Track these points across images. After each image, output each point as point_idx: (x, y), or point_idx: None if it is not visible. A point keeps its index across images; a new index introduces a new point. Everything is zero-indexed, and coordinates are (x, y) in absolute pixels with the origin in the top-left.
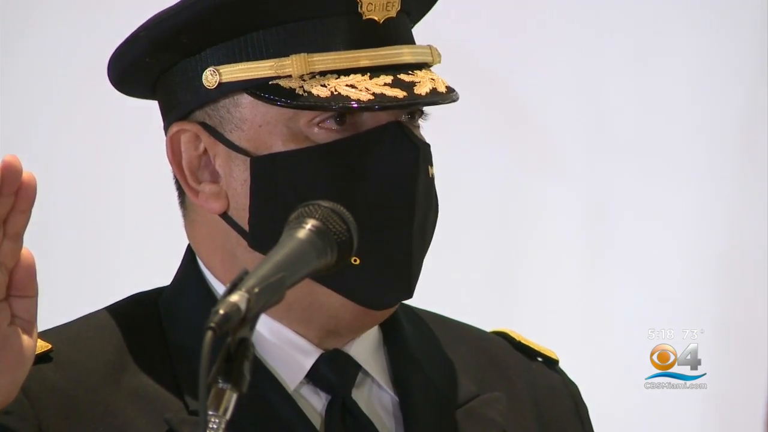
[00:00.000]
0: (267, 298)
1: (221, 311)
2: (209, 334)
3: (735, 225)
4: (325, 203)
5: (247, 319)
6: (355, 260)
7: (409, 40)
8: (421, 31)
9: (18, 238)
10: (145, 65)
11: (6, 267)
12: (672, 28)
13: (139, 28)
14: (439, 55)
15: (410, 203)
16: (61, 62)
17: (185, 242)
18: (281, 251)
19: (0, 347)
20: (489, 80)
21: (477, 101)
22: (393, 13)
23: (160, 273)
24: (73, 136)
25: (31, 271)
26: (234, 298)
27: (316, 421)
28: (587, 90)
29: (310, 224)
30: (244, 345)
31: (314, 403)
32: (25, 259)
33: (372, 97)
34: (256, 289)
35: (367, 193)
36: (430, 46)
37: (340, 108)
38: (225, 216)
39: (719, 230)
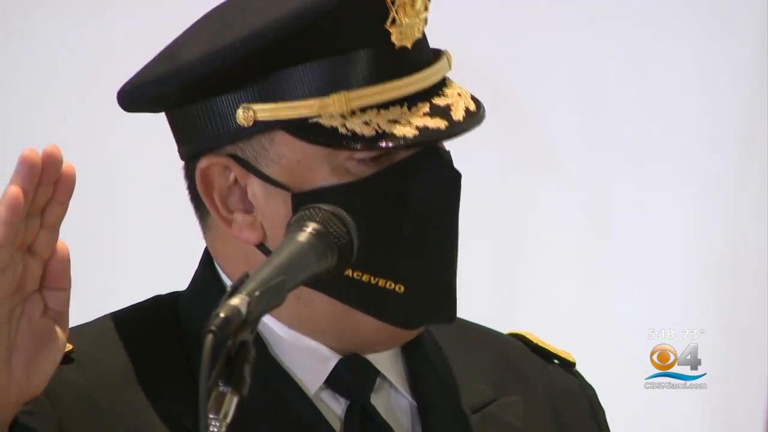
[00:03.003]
0: (267, 302)
1: (222, 314)
2: (209, 337)
3: (735, 225)
4: (325, 206)
5: (247, 322)
6: (399, 288)
7: (431, 55)
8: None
9: (54, 230)
10: (169, 101)
11: (41, 257)
12: (672, 30)
13: (167, 68)
14: (451, 58)
15: (452, 229)
16: (61, 62)
17: (187, 243)
18: (281, 254)
19: (33, 338)
20: (490, 83)
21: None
22: (419, 35)
23: (164, 274)
24: (73, 137)
25: (65, 264)
26: (234, 301)
27: (336, 426)
28: (588, 92)
29: (310, 227)
30: (245, 348)
31: (334, 407)
32: (60, 251)
33: (416, 132)
34: (257, 293)
35: (410, 222)
36: (444, 53)
37: (391, 148)
38: (261, 247)
39: (719, 230)
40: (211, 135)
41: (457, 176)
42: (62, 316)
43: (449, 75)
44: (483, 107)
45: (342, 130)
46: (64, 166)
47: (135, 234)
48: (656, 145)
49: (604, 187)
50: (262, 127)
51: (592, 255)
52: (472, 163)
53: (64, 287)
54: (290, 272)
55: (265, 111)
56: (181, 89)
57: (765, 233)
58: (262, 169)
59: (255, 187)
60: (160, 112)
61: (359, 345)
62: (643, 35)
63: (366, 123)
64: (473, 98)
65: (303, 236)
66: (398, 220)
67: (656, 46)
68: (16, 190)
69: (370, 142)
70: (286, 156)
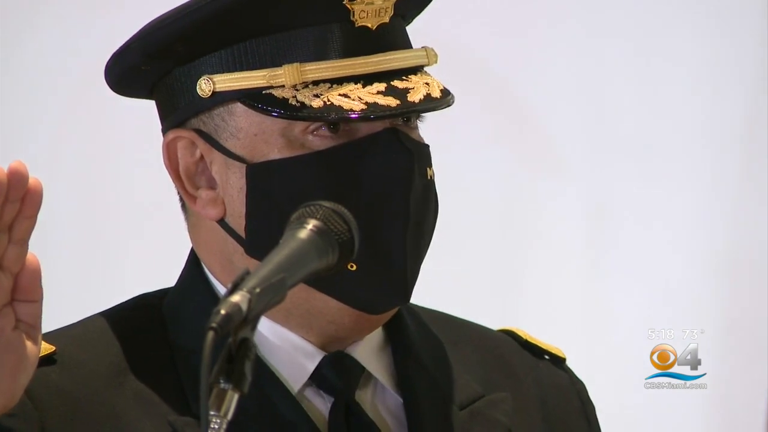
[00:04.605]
0: (268, 299)
1: (222, 311)
2: (210, 334)
3: (735, 225)
4: (326, 203)
5: (248, 319)
6: (351, 266)
7: (404, 44)
8: (422, 32)
9: (23, 243)
10: (141, 72)
11: (11, 272)
12: (673, 29)
13: (132, 37)
14: (436, 55)
15: (404, 209)
16: (62, 62)
17: (187, 244)
18: (282, 251)
19: (3, 351)
20: (491, 81)
21: (479, 103)
22: (386, 19)
23: (163, 275)
24: (74, 137)
25: (36, 276)
26: (235, 298)
27: (321, 423)
28: (589, 91)
29: (311, 224)
30: (246, 345)
31: (318, 405)
32: (30, 263)
33: (365, 107)
34: (258, 290)
35: (361, 200)
36: (425, 48)
37: (331, 119)
38: (222, 222)
39: (719, 230)
40: (177, 107)
41: (411, 154)
42: (34, 329)
43: (445, 82)
44: (451, 98)
45: (292, 102)
46: (31, 180)
47: (134, 233)
48: (657, 145)
49: (605, 187)
50: (220, 99)
51: (592, 255)
52: (473, 162)
53: (35, 299)
54: (291, 269)
55: (223, 81)
56: (145, 57)
57: (765, 233)
58: (222, 142)
59: (218, 162)
60: (146, 94)
61: (329, 331)
62: (644, 35)
63: (316, 96)
64: (443, 90)
65: (304, 233)
66: (349, 196)
67: (657, 46)
68: None
69: (316, 114)
70: (243, 129)
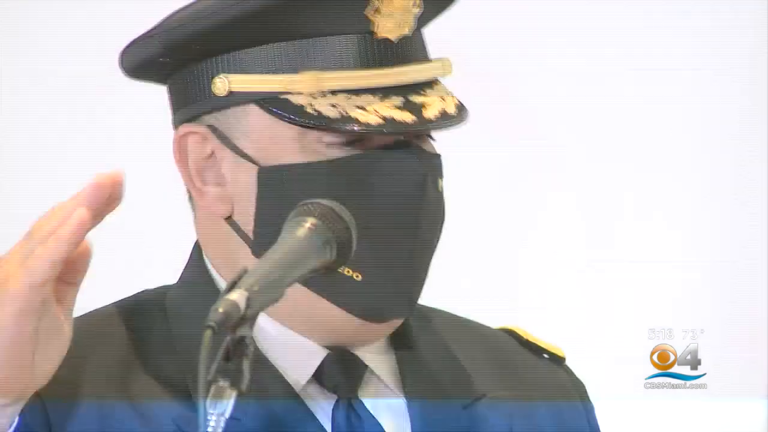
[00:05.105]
0: (266, 297)
1: (220, 309)
2: (208, 332)
3: (735, 225)
4: (324, 201)
5: (246, 317)
6: (357, 276)
7: (423, 56)
8: (422, 32)
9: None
10: (159, 63)
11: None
12: (673, 29)
13: (154, 28)
14: (451, 65)
15: (415, 223)
16: (62, 62)
17: (188, 242)
18: (280, 249)
19: (48, 333)
20: (490, 80)
21: (479, 103)
22: (408, 32)
23: (162, 273)
24: (74, 137)
25: (86, 260)
26: (233, 296)
27: (323, 421)
28: (588, 90)
29: (309, 222)
30: (244, 343)
31: (321, 403)
32: (84, 247)
33: (381, 121)
34: (256, 288)
35: (372, 210)
36: (441, 59)
37: (347, 131)
38: (229, 220)
39: (720, 230)
40: (191, 102)
41: (423, 169)
42: (70, 312)
43: (445, 82)
44: (465, 114)
45: (308, 110)
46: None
47: (136, 233)
48: (657, 144)
49: (605, 186)
50: (236, 99)
51: (591, 255)
52: (472, 161)
53: (76, 282)
54: (289, 268)
55: (239, 82)
56: (165, 50)
57: (765, 233)
58: (235, 141)
59: (228, 160)
60: (160, 81)
61: (330, 338)
62: (644, 35)
63: (333, 105)
64: (458, 106)
65: (302, 232)
66: (360, 207)
67: (658, 46)
68: (86, 213)
69: (331, 124)
70: (257, 131)
